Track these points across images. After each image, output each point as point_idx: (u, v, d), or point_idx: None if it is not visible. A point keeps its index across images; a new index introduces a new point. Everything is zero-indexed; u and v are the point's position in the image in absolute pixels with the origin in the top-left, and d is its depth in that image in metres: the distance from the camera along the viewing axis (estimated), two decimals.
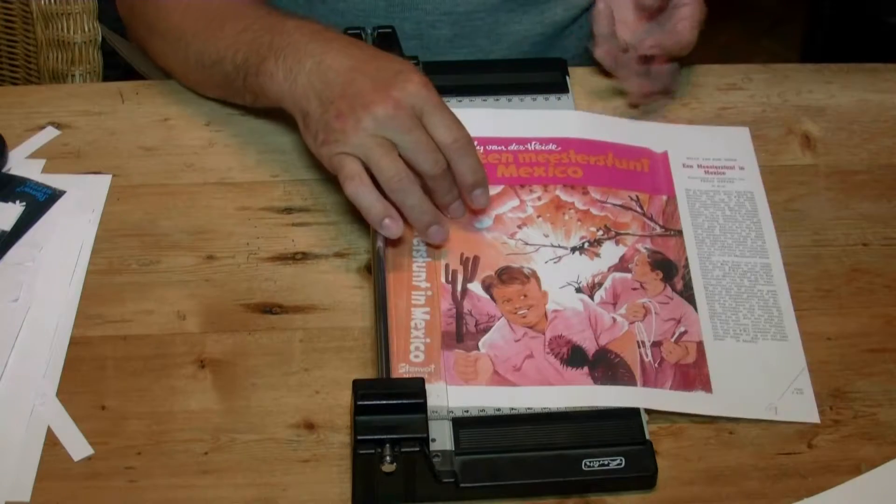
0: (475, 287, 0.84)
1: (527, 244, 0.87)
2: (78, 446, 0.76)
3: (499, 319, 0.82)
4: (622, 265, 0.86)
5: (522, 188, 0.91)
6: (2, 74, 1.27)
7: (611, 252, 0.87)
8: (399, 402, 0.72)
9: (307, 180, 0.93)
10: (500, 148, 0.95)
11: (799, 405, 0.78)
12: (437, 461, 0.73)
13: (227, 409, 0.78)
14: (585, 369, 0.79)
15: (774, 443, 0.77)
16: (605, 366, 0.80)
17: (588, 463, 0.74)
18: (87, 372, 0.80)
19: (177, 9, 0.97)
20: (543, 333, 0.81)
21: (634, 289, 0.85)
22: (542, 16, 1.11)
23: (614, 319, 0.83)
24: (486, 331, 0.81)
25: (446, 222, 0.86)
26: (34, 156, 0.95)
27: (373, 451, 0.71)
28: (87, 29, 1.17)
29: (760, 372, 0.80)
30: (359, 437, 0.71)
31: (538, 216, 0.89)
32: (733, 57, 1.07)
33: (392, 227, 0.83)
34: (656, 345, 0.81)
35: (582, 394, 0.78)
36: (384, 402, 0.72)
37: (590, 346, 0.81)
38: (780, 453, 0.77)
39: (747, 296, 0.85)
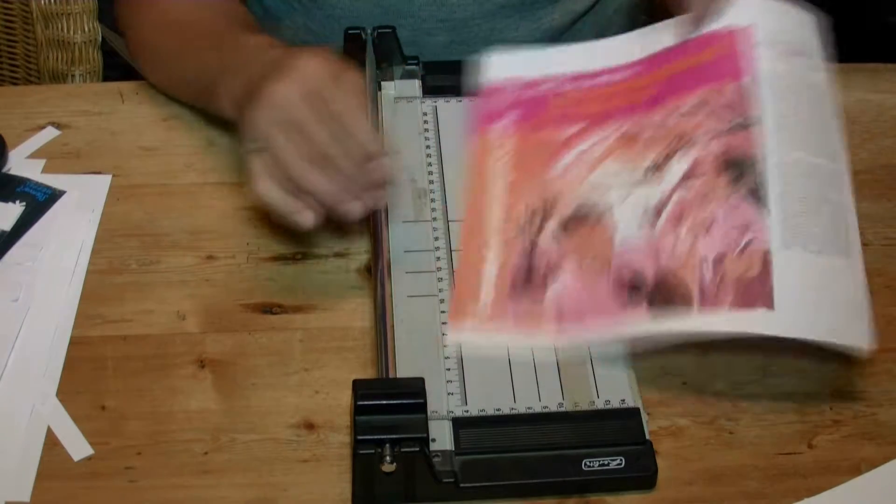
0: (545, 236, 0.84)
1: (600, 184, 0.85)
2: (78, 446, 0.76)
3: (564, 270, 0.82)
4: (690, 174, 0.81)
5: (598, 126, 0.89)
6: (2, 74, 1.27)
7: (677, 167, 0.83)
8: (399, 402, 0.72)
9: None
10: (575, 86, 0.92)
11: (857, 330, 0.74)
12: (437, 461, 0.73)
13: (227, 409, 0.78)
14: (644, 303, 0.78)
15: (774, 443, 0.77)
16: (664, 294, 0.77)
17: (588, 463, 0.74)
18: (87, 372, 0.80)
19: (154, 28, 0.98)
20: (607, 275, 0.81)
21: (700, 200, 0.80)
22: (539, 22, 1.11)
23: (676, 241, 0.79)
24: (551, 282, 0.81)
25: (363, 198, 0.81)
26: (34, 156, 0.95)
27: (373, 451, 0.71)
28: (87, 29, 1.17)
29: (825, 289, 0.75)
30: (359, 437, 0.71)
31: (609, 155, 0.87)
32: None
33: (303, 220, 0.80)
34: (718, 260, 0.77)
35: (637, 328, 0.78)
36: (384, 402, 0.72)
37: (650, 277, 0.79)
38: (780, 453, 0.77)
39: (819, 202, 0.78)
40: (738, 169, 0.80)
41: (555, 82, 0.94)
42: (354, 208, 0.81)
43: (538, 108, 0.93)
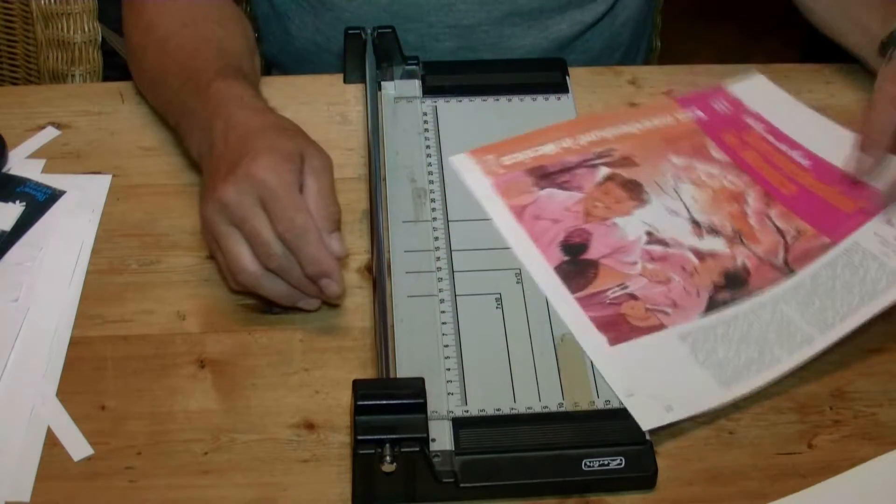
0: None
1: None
2: (78, 446, 0.76)
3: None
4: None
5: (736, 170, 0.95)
6: (2, 74, 1.27)
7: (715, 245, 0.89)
8: (399, 402, 0.72)
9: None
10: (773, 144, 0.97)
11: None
12: (437, 461, 0.73)
13: (227, 409, 0.78)
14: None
15: (774, 443, 0.77)
16: None
17: (588, 463, 0.74)
18: (87, 372, 0.80)
19: (147, 49, 0.97)
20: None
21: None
22: (547, 31, 1.11)
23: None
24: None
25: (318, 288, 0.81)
26: (34, 156, 0.95)
27: (373, 451, 0.71)
28: (87, 29, 1.17)
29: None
30: (359, 437, 0.71)
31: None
32: (733, 57, 1.07)
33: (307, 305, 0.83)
34: None
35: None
36: (384, 402, 0.72)
37: None
38: (780, 453, 0.77)
39: (748, 344, 0.82)
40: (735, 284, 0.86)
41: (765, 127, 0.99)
42: (310, 304, 0.83)
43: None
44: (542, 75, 1.03)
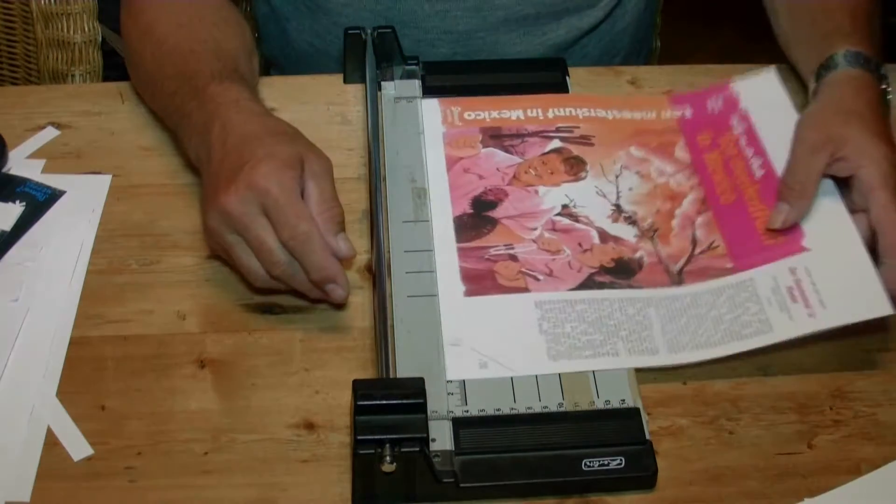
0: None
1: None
2: (78, 446, 0.76)
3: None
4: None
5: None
6: (2, 74, 1.27)
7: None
8: (399, 402, 0.72)
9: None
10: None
11: None
12: (437, 461, 0.73)
13: (227, 409, 0.78)
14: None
15: (774, 443, 0.77)
16: None
17: (588, 463, 0.74)
18: (87, 372, 0.80)
19: (145, 49, 0.97)
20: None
21: None
22: (544, 37, 1.10)
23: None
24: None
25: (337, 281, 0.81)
26: (34, 156, 0.95)
27: (373, 451, 0.71)
28: (87, 29, 1.17)
29: None
30: (359, 437, 0.71)
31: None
32: (733, 57, 1.07)
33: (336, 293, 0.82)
34: None
35: None
36: (384, 402, 0.72)
37: None
38: (780, 453, 0.77)
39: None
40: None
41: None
42: (318, 295, 0.83)
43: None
44: (542, 75, 1.03)
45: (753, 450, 0.77)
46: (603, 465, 0.74)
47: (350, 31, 1.01)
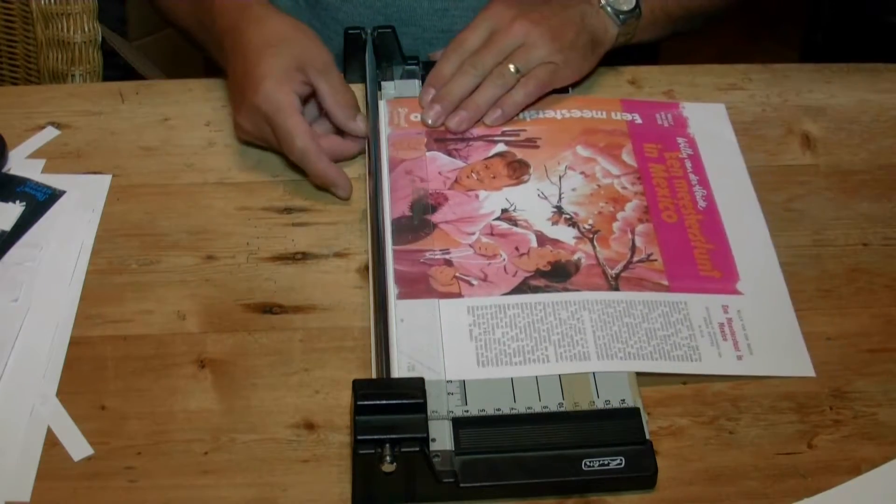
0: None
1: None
2: (78, 446, 0.76)
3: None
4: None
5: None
6: (2, 74, 1.27)
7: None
8: (399, 402, 0.72)
9: (307, 180, 0.93)
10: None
11: None
12: (437, 461, 0.73)
13: (227, 409, 0.78)
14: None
15: (774, 443, 0.77)
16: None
17: (588, 463, 0.74)
18: (87, 372, 0.80)
19: None
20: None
21: None
22: None
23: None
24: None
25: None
26: (34, 156, 0.95)
27: (373, 451, 0.71)
28: (87, 29, 1.17)
29: None
30: (359, 437, 0.71)
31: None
32: (733, 57, 1.07)
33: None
34: None
35: None
36: (384, 402, 0.72)
37: None
38: (779, 453, 0.77)
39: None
40: None
41: None
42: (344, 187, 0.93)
43: None
44: None
45: (753, 450, 0.77)
46: (603, 465, 0.74)
47: (350, 32, 1.01)
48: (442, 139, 0.96)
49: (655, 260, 0.87)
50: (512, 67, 0.95)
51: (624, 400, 0.78)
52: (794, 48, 2.26)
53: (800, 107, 1.02)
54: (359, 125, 0.94)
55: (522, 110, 0.98)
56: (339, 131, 0.95)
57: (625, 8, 0.99)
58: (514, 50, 0.96)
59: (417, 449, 0.71)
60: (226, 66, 0.96)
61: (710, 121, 1.00)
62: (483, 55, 0.96)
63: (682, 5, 1.05)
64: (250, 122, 0.92)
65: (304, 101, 0.93)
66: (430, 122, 0.96)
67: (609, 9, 0.99)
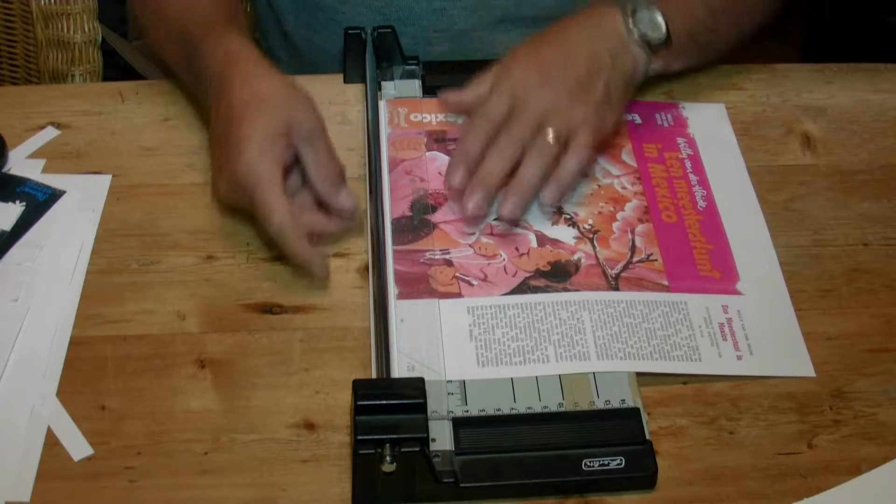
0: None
1: None
2: (78, 446, 0.76)
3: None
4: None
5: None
6: (2, 74, 1.27)
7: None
8: (399, 402, 0.72)
9: None
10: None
11: None
12: (437, 461, 0.73)
13: (227, 409, 0.78)
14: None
15: (774, 443, 0.77)
16: None
17: (588, 463, 0.74)
18: (87, 372, 0.80)
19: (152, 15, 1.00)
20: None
21: None
22: None
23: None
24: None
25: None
26: (34, 156, 0.95)
27: (373, 451, 0.71)
28: (87, 29, 1.17)
29: None
30: (359, 437, 0.71)
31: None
32: (733, 57, 1.07)
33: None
34: None
35: None
36: (384, 402, 0.72)
37: None
38: (780, 453, 0.77)
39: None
40: None
41: None
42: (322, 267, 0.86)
43: None
44: None
45: (753, 450, 0.77)
46: (603, 465, 0.74)
47: (350, 32, 1.01)
48: (441, 139, 0.96)
49: (655, 260, 0.87)
50: (550, 137, 0.86)
51: (624, 400, 0.78)
52: (795, 48, 2.26)
53: (800, 107, 1.02)
54: (342, 202, 0.86)
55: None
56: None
57: (654, 36, 0.92)
58: (544, 113, 0.87)
59: (417, 449, 0.71)
60: (208, 113, 0.90)
61: (709, 121, 1.00)
62: (514, 127, 0.87)
63: (708, 27, 0.98)
64: (230, 188, 0.85)
65: (289, 167, 0.86)
66: (470, 212, 0.86)
67: (637, 38, 0.92)
